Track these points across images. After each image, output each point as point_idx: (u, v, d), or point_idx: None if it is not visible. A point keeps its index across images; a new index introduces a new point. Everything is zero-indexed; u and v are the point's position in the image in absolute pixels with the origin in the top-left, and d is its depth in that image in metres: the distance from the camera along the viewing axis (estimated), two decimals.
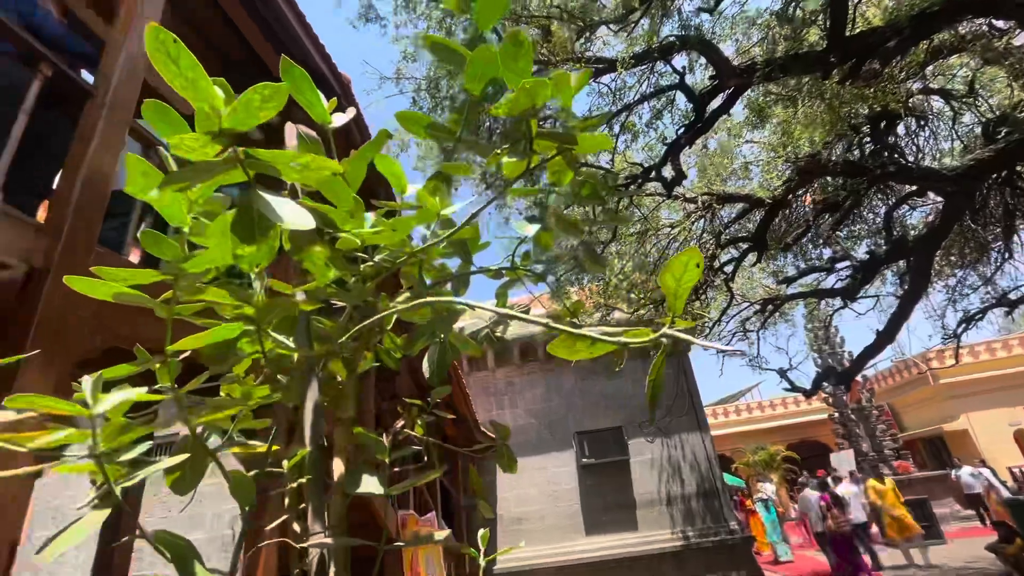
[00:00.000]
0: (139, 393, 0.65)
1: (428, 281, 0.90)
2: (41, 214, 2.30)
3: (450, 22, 3.50)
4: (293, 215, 0.63)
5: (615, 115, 3.58)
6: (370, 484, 0.82)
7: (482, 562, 0.78)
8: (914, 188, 4.62)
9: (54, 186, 2.24)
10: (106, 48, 2.37)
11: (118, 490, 0.57)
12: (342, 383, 0.96)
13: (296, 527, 0.87)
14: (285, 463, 0.85)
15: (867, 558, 7.21)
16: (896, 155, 4.63)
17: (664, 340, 0.43)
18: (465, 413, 7.10)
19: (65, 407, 0.57)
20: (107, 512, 0.55)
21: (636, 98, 3.74)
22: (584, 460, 7.93)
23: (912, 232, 5.46)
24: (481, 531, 0.86)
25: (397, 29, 3.64)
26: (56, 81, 2.10)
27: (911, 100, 4.32)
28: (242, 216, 0.69)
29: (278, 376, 0.86)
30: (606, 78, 3.69)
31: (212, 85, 0.63)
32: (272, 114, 0.66)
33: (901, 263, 5.42)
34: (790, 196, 4.45)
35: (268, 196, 0.65)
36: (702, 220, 4.66)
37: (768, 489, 9.48)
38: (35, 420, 0.68)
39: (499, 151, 0.71)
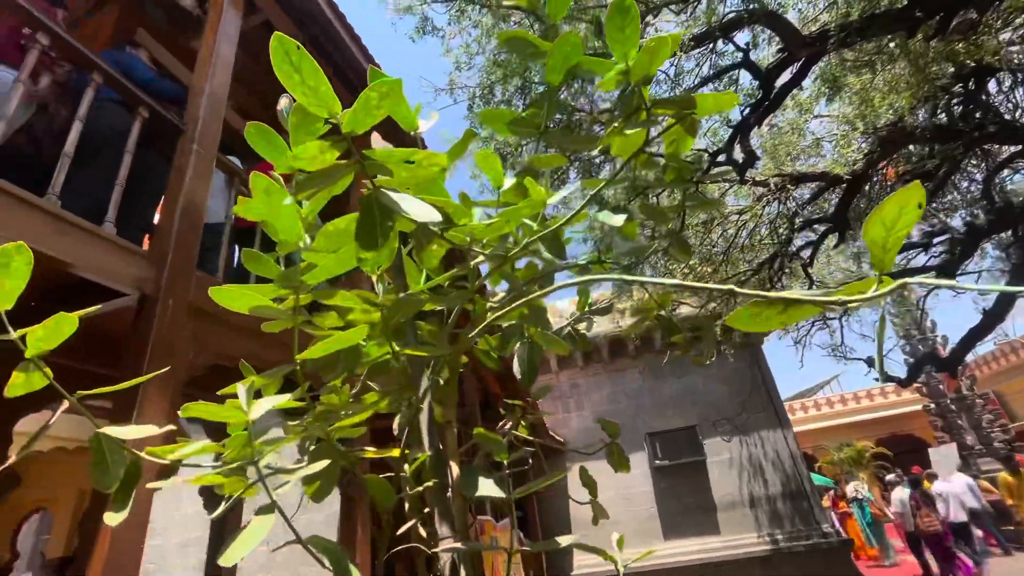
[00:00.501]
0: (285, 400, 0.66)
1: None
2: (144, 245, 2.49)
3: (502, 26, 3.52)
4: (420, 210, 0.62)
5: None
6: (488, 487, 0.79)
7: (620, 569, 0.74)
8: (1018, 148, 4.14)
9: (155, 219, 2.42)
10: (190, 89, 2.55)
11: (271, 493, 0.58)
12: (447, 385, 0.95)
13: (423, 532, 0.87)
14: (407, 467, 0.85)
15: (968, 561, 6.44)
16: (992, 115, 4.17)
17: (904, 290, 0.38)
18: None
19: (229, 414, 0.59)
20: (272, 517, 0.55)
21: (696, 82, 3.58)
22: (657, 462, 7.68)
23: (1017, 199, 4.90)
24: (615, 535, 0.81)
25: (450, 40, 3.71)
26: (152, 122, 2.28)
27: (1008, 52, 3.88)
28: (365, 219, 0.69)
29: (371, 382, 0.86)
30: (663, 64, 3.53)
31: (332, 91, 0.64)
32: (386, 112, 0.66)
33: (1006, 234, 4.88)
34: (871, 170, 4.11)
35: (390, 193, 0.65)
36: (775, 203, 4.38)
37: (862, 489, 8.78)
38: (160, 436, 0.72)
39: (616, 124, 0.68)
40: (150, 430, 0.82)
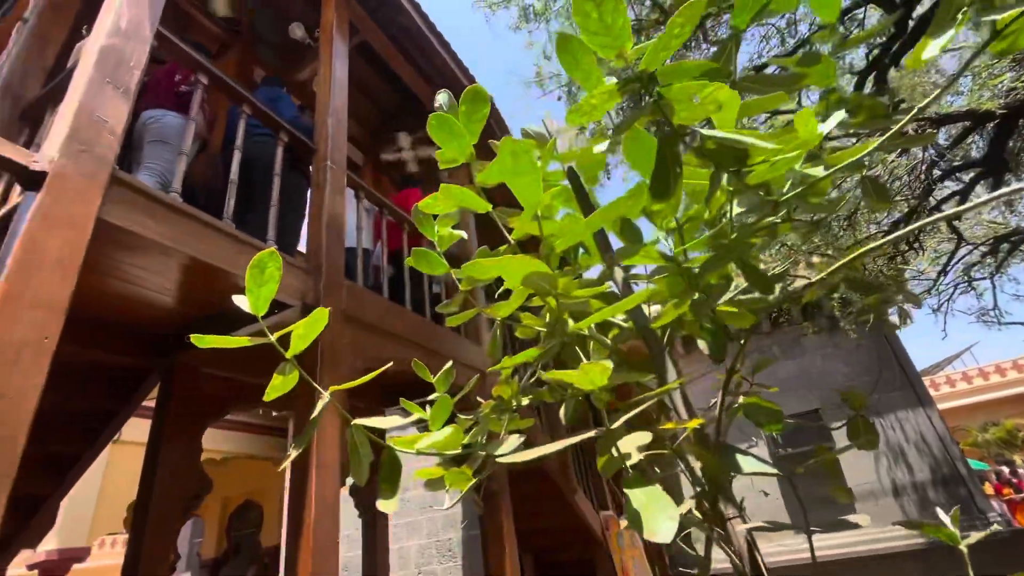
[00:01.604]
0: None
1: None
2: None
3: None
4: (728, 143, 0.56)
5: (802, 45, 3.13)
6: (751, 464, 0.70)
7: None
8: None
9: (302, 233, 2.58)
10: (316, 110, 2.70)
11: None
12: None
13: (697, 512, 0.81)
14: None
15: None
16: None
17: None
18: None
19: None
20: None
21: (813, 30, 3.25)
22: (780, 451, 7.15)
23: None
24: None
25: (531, 34, 3.69)
26: (292, 146, 2.43)
27: None
28: (661, 167, 0.64)
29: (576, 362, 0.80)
30: (773, 18, 3.27)
31: (628, 27, 0.59)
32: (680, 42, 0.60)
33: None
34: None
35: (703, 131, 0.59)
36: (910, 151, 3.88)
37: None
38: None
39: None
40: (395, 420, 0.82)
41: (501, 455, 0.81)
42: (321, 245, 2.21)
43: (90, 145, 1.43)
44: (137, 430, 5.42)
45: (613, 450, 0.59)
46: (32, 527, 2.42)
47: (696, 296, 0.68)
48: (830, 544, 6.54)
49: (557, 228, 0.83)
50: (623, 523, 5.22)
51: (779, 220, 0.70)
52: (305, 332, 0.71)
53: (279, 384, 0.71)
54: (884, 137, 0.69)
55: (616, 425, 0.68)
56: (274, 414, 7.54)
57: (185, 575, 9.99)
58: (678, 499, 0.58)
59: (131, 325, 2.28)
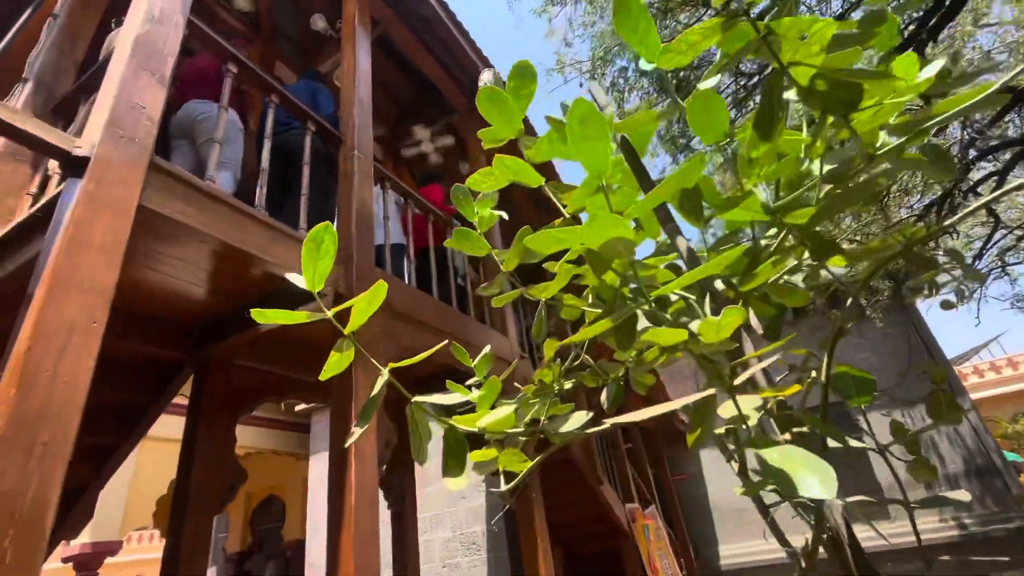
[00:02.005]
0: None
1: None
2: None
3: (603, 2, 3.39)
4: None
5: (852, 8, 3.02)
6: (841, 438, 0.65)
7: None
8: None
9: (334, 222, 2.57)
10: (341, 100, 2.69)
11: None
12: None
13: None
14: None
15: None
16: None
17: None
18: (660, 396, 6.81)
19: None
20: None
21: (846, 6, 3.14)
22: None
23: None
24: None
25: (551, 21, 3.64)
26: (321, 137, 2.42)
27: None
28: (765, 108, 0.60)
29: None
30: None
31: None
32: None
33: None
34: None
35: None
36: (946, 128, 3.74)
37: None
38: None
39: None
40: (455, 397, 0.79)
41: (567, 431, 0.78)
42: (352, 235, 2.20)
43: (129, 131, 1.42)
44: (165, 427, 5.50)
45: (726, 413, 0.56)
46: (70, 519, 2.45)
47: (799, 251, 0.63)
48: (862, 536, 6.40)
49: (619, 201, 0.79)
50: (648, 514, 5.17)
51: (878, 172, 0.65)
52: (366, 306, 0.69)
53: (336, 361, 0.69)
54: (991, 89, 0.64)
55: (707, 393, 0.64)
56: (297, 408, 7.62)
57: (211, 569, 10.18)
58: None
59: (165, 318, 2.29)
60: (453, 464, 0.85)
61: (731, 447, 0.96)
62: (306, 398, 2.85)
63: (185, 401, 6.02)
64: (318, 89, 2.83)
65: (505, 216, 1.03)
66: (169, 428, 5.69)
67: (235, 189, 2.24)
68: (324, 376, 0.80)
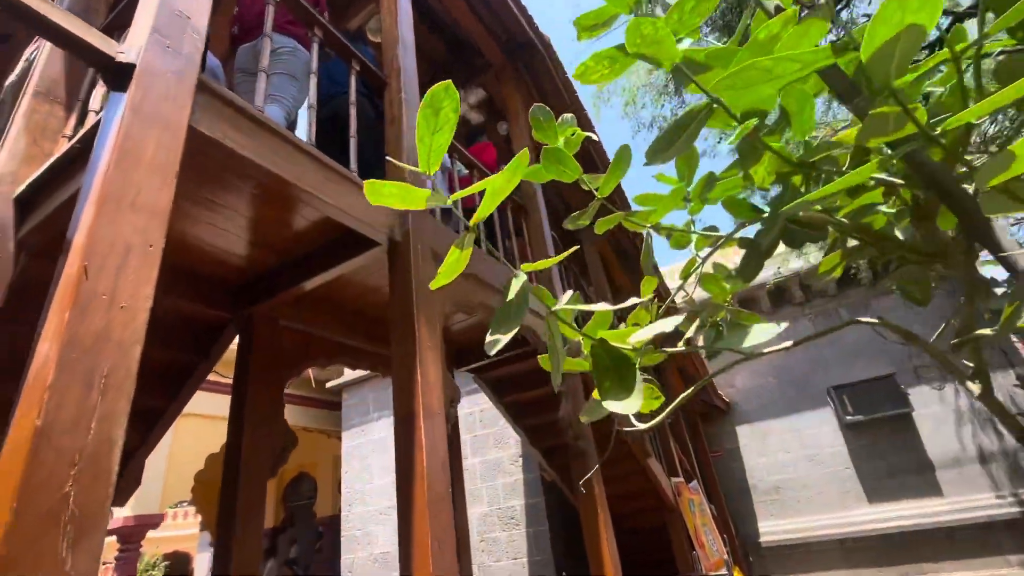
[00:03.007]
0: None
1: None
2: None
3: None
4: None
5: None
6: None
7: None
8: None
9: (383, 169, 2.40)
10: (383, 43, 2.50)
11: None
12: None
13: None
14: None
15: None
16: None
17: None
18: (695, 372, 6.60)
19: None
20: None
21: None
22: (848, 418, 6.75)
23: None
24: None
25: None
26: (364, 79, 2.24)
27: None
28: None
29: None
30: None
31: None
32: None
33: None
34: None
35: None
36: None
37: None
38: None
39: None
40: (603, 306, 0.66)
41: (752, 346, 0.61)
42: (405, 180, 2.03)
43: (175, 41, 1.26)
44: (200, 403, 5.49)
45: None
46: (118, 485, 2.38)
47: None
48: (911, 513, 6.18)
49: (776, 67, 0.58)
50: (692, 489, 5.00)
51: None
52: (512, 175, 0.53)
53: (452, 261, 0.58)
54: None
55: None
56: (328, 385, 7.60)
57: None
58: None
59: (209, 275, 2.16)
60: (614, 385, 0.69)
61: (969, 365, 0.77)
62: (351, 363, 2.72)
63: (220, 379, 5.97)
64: (362, 50, 2.68)
65: (596, 137, 0.86)
66: (204, 404, 5.69)
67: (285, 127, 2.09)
68: (435, 284, 0.67)
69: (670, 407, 0.68)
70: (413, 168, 0.50)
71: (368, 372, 7.13)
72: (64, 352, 0.83)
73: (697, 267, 1.08)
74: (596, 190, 0.91)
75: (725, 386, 7.63)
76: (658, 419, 0.71)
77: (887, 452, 6.61)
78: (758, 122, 0.83)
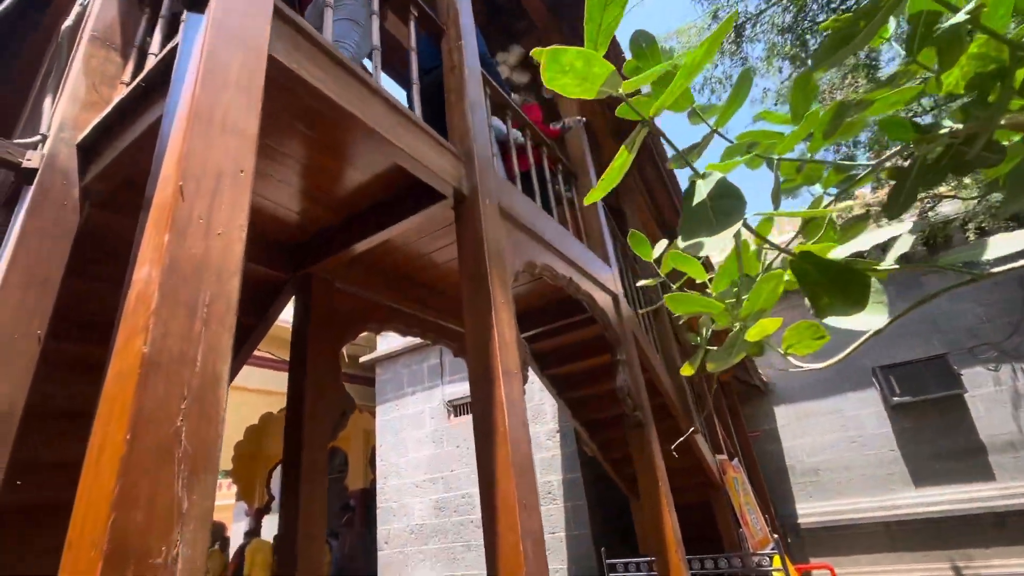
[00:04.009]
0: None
1: None
2: None
3: None
4: None
5: None
6: None
7: None
8: None
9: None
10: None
11: None
12: None
13: None
14: None
15: None
16: None
17: None
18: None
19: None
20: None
21: None
22: (895, 399, 6.49)
23: None
24: None
25: None
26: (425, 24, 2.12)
27: None
28: None
29: None
30: None
31: None
32: None
33: None
34: None
35: None
36: None
37: None
38: None
39: None
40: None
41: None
42: (469, 128, 1.91)
43: None
44: (239, 376, 5.55)
45: None
46: None
47: None
48: (959, 497, 5.96)
49: None
50: (735, 466, 4.88)
51: None
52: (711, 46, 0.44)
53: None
54: None
55: None
56: (361, 360, 7.64)
57: (277, 515, 10.62)
58: None
59: (264, 231, 2.10)
60: (833, 301, 0.57)
61: None
62: (403, 329, 2.65)
63: (262, 353, 5.99)
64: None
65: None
66: (242, 377, 5.76)
67: None
68: (590, 198, 0.60)
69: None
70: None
71: (401, 348, 7.13)
72: (165, 277, 0.75)
73: (829, 204, 0.96)
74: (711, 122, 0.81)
75: (762, 366, 7.42)
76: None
77: (935, 435, 6.36)
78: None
